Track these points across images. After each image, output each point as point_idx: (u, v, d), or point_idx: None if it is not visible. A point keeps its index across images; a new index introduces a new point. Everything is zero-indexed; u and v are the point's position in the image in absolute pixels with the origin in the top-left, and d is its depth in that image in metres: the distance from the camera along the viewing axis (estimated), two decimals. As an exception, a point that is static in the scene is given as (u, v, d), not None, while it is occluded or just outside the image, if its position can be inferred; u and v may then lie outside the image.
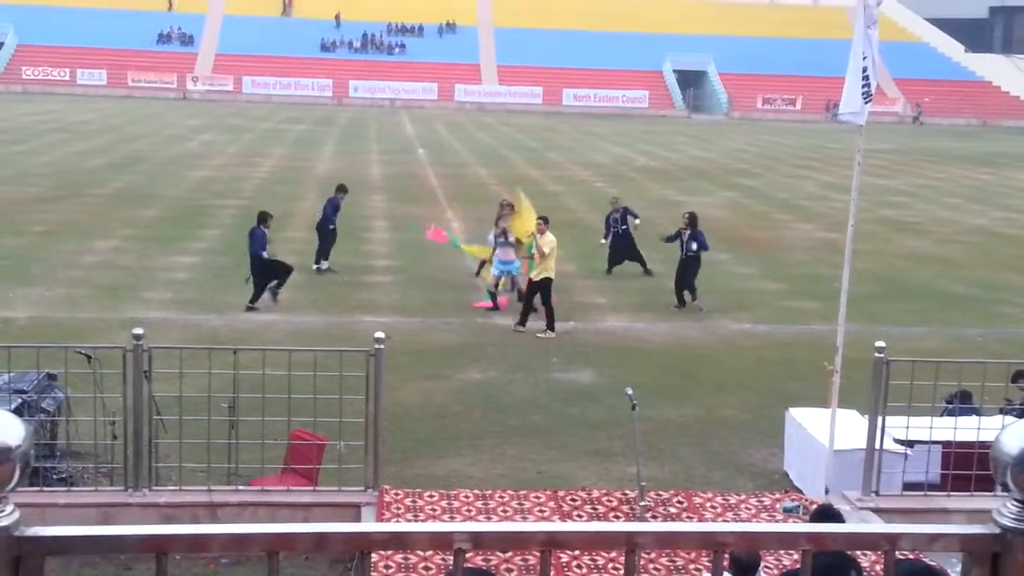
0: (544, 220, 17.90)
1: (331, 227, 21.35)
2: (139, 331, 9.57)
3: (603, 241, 22.50)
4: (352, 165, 40.23)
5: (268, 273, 18.55)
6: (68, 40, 79.65)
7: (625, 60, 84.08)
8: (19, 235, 24.23)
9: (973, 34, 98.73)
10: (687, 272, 19.41)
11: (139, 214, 27.63)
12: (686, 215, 20.02)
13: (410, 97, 79.95)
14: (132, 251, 22.97)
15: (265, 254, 18.37)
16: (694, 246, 19.25)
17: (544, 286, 17.33)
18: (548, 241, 17.45)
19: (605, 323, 18.52)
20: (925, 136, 68.00)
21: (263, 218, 18.72)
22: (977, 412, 11.02)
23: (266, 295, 18.50)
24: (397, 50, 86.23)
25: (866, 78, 10.01)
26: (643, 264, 21.89)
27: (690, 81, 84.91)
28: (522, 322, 17.56)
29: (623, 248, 21.99)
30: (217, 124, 56.78)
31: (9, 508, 2.03)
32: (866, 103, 10.13)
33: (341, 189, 22.21)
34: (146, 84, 78.63)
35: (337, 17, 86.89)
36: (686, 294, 19.43)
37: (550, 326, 17.37)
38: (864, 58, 9.99)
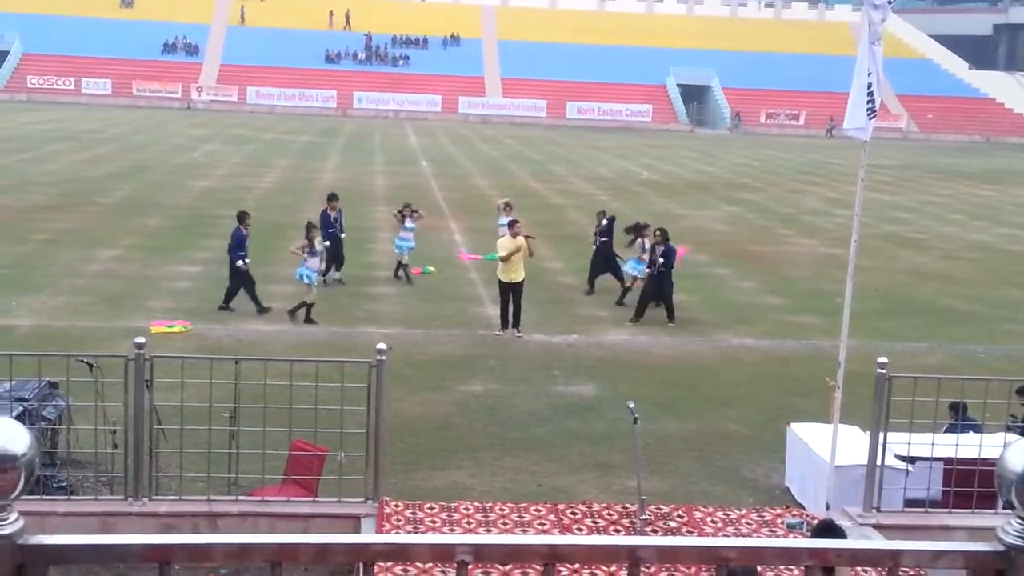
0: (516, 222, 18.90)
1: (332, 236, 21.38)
2: (141, 340, 9.57)
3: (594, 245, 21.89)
4: (356, 176, 40.30)
5: (237, 279, 18.81)
6: (73, 49, 79.92)
7: (629, 74, 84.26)
8: (22, 243, 24.27)
9: (977, 51, 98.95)
10: (663, 288, 19.36)
11: (142, 223, 27.68)
12: (657, 231, 19.76)
13: (414, 109, 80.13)
14: (135, 260, 23.00)
15: (241, 263, 18.65)
16: (660, 260, 19.17)
17: (520, 287, 18.00)
18: (520, 243, 18.09)
19: (607, 336, 18.52)
20: (929, 153, 68.05)
21: (241, 217, 19.10)
22: (977, 428, 11.00)
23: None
24: (402, 62, 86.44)
25: (870, 94, 10.01)
26: (620, 280, 21.06)
27: (693, 95, 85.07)
28: (505, 324, 18.08)
29: (600, 261, 21.52)
30: (221, 134, 56.90)
31: (13, 516, 2.03)
32: (870, 119, 10.13)
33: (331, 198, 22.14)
34: (151, 94, 78.85)
35: (368, 38, 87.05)
36: (648, 308, 19.49)
37: (517, 324, 18.06)
38: (869, 74, 10.00)
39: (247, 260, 18.86)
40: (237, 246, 18.86)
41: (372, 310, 19.66)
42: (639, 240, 20.61)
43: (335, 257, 21.47)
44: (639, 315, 19.41)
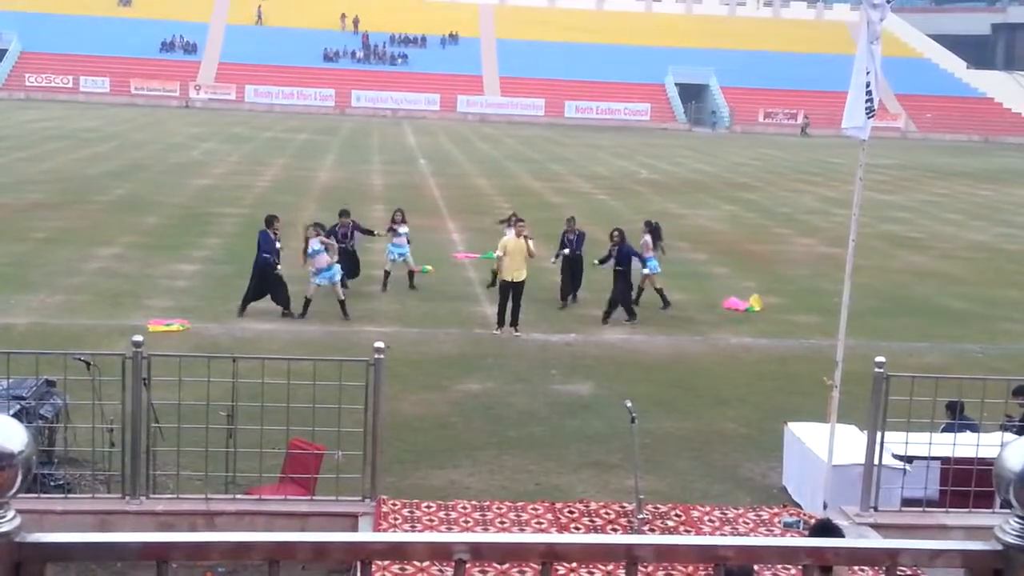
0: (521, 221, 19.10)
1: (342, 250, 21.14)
2: (139, 338, 9.56)
3: (553, 261, 21.04)
4: (354, 175, 40.27)
5: (261, 282, 18.66)
6: (71, 48, 79.81)
7: (627, 73, 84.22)
8: (20, 241, 24.24)
9: (975, 51, 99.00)
10: (615, 287, 19.30)
11: (140, 221, 27.65)
12: (615, 232, 19.67)
13: (412, 108, 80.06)
14: (133, 258, 22.98)
15: (274, 263, 18.58)
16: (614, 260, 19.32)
17: (521, 287, 18.15)
18: (521, 245, 18.22)
19: (604, 336, 18.52)
20: (927, 152, 68.07)
21: (269, 221, 19.02)
22: (974, 427, 11.00)
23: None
24: (400, 61, 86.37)
25: (869, 93, 10.01)
26: (574, 293, 20.67)
27: (692, 94, 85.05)
28: (501, 323, 18.16)
29: (570, 272, 20.64)
30: (219, 133, 56.86)
31: (10, 514, 2.02)
32: (869, 118, 10.13)
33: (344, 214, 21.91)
34: (149, 92, 78.73)
35: (365, 37, 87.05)
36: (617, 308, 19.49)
37: (515, 323, 18.16)
38: (867, 73, 10.00)
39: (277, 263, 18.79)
40: (262, 248, 18.66)
41: (369, 309, 19.66)
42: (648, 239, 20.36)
43: (345, 268, 21.10)
44: (631, 313, 19.42)
